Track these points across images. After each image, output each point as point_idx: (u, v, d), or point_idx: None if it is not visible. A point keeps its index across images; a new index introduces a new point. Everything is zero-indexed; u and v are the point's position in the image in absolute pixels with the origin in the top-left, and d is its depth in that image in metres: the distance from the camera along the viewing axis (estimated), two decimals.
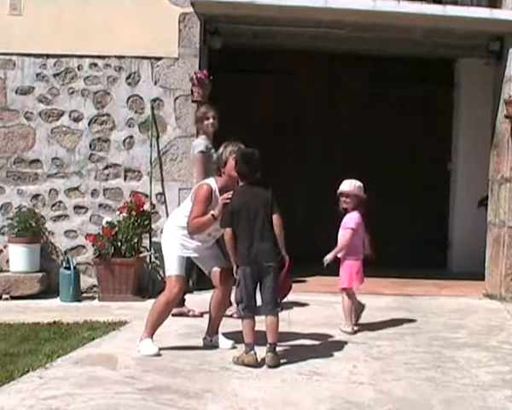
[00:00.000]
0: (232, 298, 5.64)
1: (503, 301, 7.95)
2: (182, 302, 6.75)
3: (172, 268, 5.55)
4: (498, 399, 4.62)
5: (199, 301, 7.52)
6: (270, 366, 5.11)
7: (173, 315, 6.04)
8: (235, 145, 5.57)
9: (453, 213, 10.24)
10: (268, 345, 5.18)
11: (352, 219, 6.24)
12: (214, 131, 6.95)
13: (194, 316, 6.84)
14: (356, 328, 6.27)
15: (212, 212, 5.38)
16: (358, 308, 6.37)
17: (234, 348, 5.60)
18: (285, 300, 5.59)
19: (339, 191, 6.31)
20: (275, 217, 5.24)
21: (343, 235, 6.24)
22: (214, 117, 6.92)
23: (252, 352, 5.15)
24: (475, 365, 5.37)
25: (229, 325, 5.96)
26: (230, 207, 5.27)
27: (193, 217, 5.43)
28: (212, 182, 5.60)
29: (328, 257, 6.16)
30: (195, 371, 5.01)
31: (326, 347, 5.78)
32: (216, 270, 5.63)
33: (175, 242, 5.57)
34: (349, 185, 6.27)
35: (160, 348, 5.44)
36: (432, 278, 9.07)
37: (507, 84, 8.13)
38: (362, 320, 6.61)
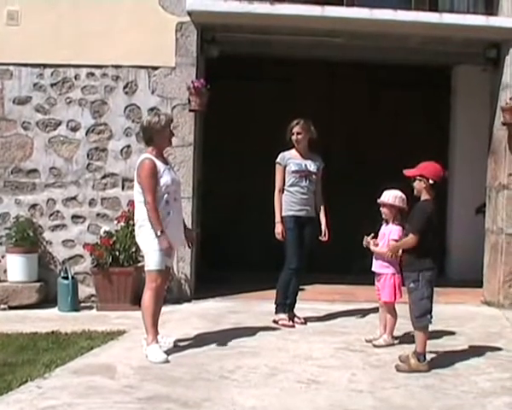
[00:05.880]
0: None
1: (502, 307, 7.96)
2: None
3: (152, 263, 5.60)
4: (498, 406, 4.62)
5: (198, 309, 7.53)
6: None
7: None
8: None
9: (451, 220, 10.24)
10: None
11: (396, 231, 5.96)
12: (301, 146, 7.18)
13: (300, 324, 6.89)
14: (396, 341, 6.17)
15: (159, 233, 5.50)
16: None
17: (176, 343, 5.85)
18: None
19: (379, 201, 6.14)
20: None
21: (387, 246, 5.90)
22: (299, 132, 7.12)
23: (426, 362, 5.36)
24: (474, 372, 5.37)
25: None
26: (430, 214, 5.38)
27: (149, 200, 5.59)
28: (149, 155, 5.72)
29: (371, 241, 6.10)
30: (194, 379, 5.00)
31: (325, 355, 5.77)
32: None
33: (150, 237, 5.58)
34: (389, 196, 6.08)
35: None
36: None
37: (503, 91, 8.16)
38: (361, 328, 6.65)
